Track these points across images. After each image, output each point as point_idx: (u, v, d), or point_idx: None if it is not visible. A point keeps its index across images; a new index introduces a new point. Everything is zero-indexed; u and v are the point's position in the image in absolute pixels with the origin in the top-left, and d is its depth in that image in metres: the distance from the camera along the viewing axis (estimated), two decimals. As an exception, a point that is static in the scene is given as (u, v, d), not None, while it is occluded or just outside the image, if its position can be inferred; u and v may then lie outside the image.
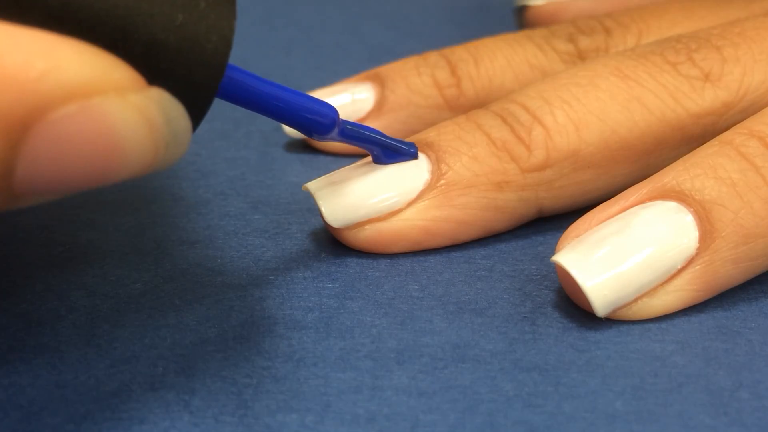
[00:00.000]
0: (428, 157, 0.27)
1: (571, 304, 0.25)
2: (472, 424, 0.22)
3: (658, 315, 0.25)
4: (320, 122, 0.25)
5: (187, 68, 0.20)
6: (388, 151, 0.27)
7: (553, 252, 0.27)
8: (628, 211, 0.25)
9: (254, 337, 0.24)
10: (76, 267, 0.26)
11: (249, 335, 0.24)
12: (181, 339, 0.24)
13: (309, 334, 0.24)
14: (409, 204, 0.27)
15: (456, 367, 0.23)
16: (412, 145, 0.27)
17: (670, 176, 0.25)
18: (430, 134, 0.28)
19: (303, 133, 0.25)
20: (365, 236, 0.27)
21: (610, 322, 0.25)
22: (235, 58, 0.38)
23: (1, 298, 0.25)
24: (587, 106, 0.27)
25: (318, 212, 0.27)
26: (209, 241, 0.28)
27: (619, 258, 0.24)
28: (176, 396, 0.22)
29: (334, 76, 0.33)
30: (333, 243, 0.28)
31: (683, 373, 0.23)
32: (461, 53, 0.32)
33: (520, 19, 0.37)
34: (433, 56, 0.32)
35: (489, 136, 0.27)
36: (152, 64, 0.20)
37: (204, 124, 0.34)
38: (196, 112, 0.21)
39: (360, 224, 0.27)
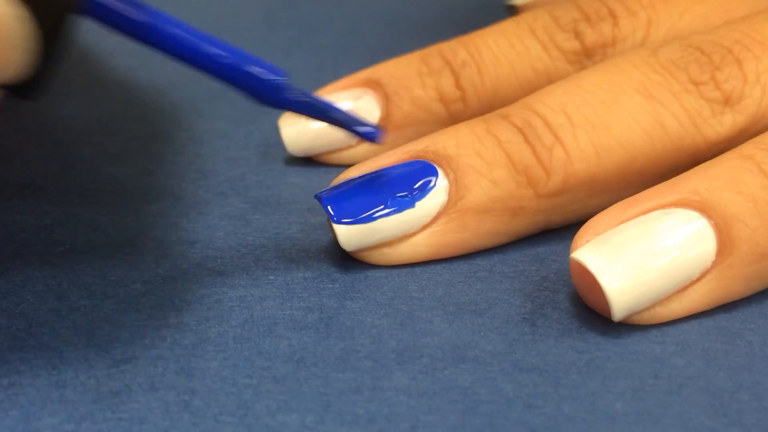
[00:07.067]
0: (446, 175, 0.26)
1: (572, 305, 0.25)
2: (472, 425, 0.22)
3: (665, 321, 0.25)
4: (265, 81, 0.24)
5: None
6: (347, 126, 0.26)
7: (552, 254, 0.27)
8: (650, 215, 0.25)
9: (254, 337, 0.24)
10: (76, 267, 0.26)
11: (249, 335, 0.24)
12: (181, 339, 0.24)
13: (309, 335, 0.24)
14: (424, 227, 0.26)
15: (456, 368, 0.23)
16: (375, 128, 0.26)
17: (691, 184, 0.25)
18: (448, 145, 0.27)
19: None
20: (377, 258, 0.27)
21: (610, 323, 0.25)
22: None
23: (1, 298, 0.25)
24: (611, 130, 0.27)
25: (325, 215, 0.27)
26: (209, 241, 0.28)
27: (643, 265, 0.24)
28: (176, 396, 0.22)
29: (334, 76, 0.33)
30: (333, 243, 0.27)
31: (683, 374, 0.23)
32: (464, 56, 0.31)
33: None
34: (435, 60, 0.31)
35: (509, 156, 0.26)
36: None
37: (204, 124, 0.34)
38: (52, 27, 0.21)
39: (373, 247, 0.26)
